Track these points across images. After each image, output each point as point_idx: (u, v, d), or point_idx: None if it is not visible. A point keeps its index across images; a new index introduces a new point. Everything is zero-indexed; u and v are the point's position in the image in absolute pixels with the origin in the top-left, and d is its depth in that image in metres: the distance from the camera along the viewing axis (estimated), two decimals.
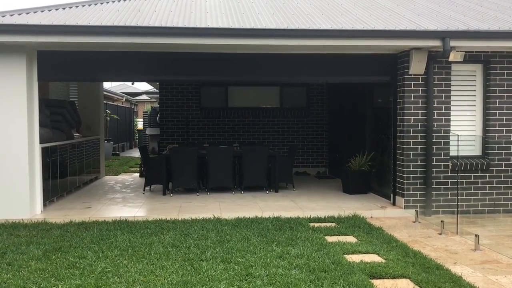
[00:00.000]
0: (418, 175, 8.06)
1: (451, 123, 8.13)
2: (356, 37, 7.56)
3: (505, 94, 8.17)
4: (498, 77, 8.15)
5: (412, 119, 8.05)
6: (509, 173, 8.20)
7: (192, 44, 7.43)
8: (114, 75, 8.77)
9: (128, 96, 27.86)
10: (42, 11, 7.97)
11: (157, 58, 8.07)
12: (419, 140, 8.05)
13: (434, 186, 8.02)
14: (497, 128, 8.19)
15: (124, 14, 7.98)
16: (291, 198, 9.17)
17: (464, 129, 8.22)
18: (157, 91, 16.40)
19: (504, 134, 8.20)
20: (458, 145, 7.66)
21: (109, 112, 18.86)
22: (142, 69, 8.20)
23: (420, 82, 8.02)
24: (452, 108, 8.13)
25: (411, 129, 8.04)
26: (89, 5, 8.55)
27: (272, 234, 6.49)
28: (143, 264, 5.21)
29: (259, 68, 8.28)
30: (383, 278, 4.89)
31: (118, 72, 8.28)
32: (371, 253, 5.72)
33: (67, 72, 8.06)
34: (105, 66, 8.10)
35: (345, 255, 5.60)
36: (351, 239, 6.36)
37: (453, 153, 8.03)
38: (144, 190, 10.14)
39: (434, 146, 8.03)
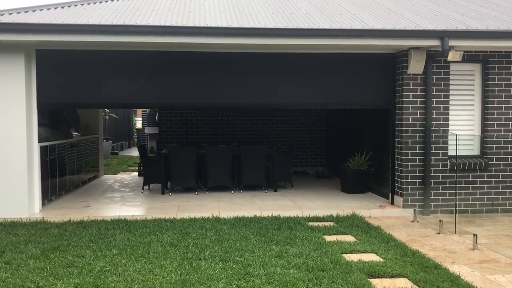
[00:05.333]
0: (417, 174, 8.08)
1: (450, 122, 8.14)
2: (354, 36, 7.56)
3: (503, 94, 8.19)
4: (496, 77, 8.17)
5: (410, 119, 8.06)
6: (508, 173, 8.22)
7: (191, 43, 7.43)
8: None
9: None
10: (41, 10, 7.97)
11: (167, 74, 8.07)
12: (417, 139, 8.06)
13: (432, 186, 8.03)
14: (495, 127, 8.20)
15: (123, 13, 7.98)
16: (289, 197, 9.18)
17: (463, 128, 8.24)
18: None
19: (503, 133, 8.21)
20: (456, 145, 7.66)
21: (108, 111, 18.82)
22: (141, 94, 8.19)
23: (418, 81, 8.03)
24: (450, 107, 8.15)
25: (410, 128, 8.05)
26: (88, 4, 8.55)
27: (271, 233, 6.50)
28: (141, 263, 5.21)
29: (252, 91, 8.24)
30: (381, 277, 4.90)
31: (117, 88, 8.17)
32: (370, 252, 5.73)
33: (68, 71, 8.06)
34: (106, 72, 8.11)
35: (343, 254, 5.61)
36: (349, 238, 6.37)
37: (451, 152, 8.04)
38: (142, 189, 10.14)
39: (433, 146, 8.05)
